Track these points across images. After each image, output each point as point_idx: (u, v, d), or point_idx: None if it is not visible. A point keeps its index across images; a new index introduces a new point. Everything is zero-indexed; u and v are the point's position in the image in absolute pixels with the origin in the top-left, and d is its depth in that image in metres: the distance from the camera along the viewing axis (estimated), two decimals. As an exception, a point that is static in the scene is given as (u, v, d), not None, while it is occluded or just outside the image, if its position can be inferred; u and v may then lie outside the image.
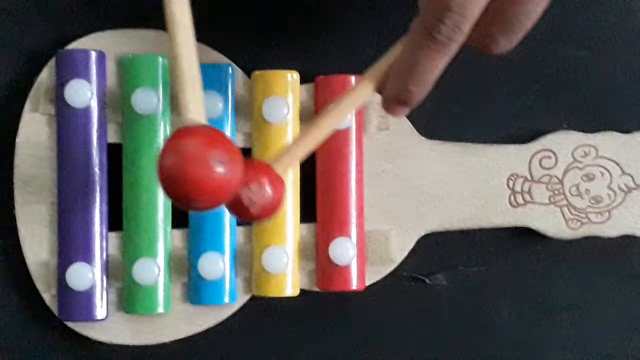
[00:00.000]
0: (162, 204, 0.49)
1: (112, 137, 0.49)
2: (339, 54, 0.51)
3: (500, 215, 0.51)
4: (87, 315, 0.48)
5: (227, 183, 0.34)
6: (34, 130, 0.49)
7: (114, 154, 0.49)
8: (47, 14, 0.50)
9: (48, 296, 0.49)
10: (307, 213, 0.50)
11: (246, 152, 0.50)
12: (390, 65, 0.40)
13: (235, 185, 0.35)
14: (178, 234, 0.49)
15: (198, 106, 0.37)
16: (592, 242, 0.52)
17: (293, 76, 0.49)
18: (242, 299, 0.50)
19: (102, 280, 0.49)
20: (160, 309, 0.49)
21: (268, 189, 0.38)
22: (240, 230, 0.50)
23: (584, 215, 0.51)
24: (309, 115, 0.50)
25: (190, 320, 0.50)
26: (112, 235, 0.49)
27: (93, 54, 0.48)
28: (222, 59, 0.50)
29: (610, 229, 0.51)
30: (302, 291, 0.50)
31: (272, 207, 0.38)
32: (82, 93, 0.48)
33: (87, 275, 0.48)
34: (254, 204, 0.38)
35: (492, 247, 0.52)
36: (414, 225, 0.50)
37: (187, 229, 0.49)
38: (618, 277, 0.52)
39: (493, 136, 0.51)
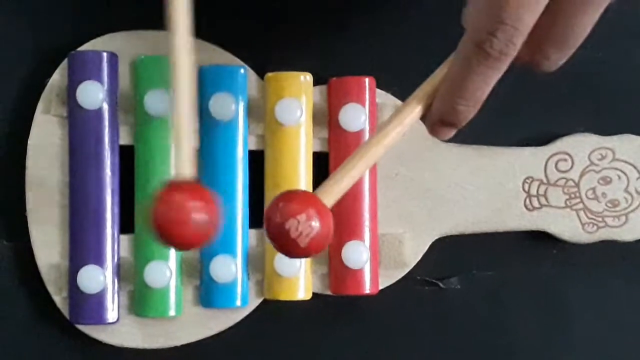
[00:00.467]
0: (174, 206, 0.48)
1: (125, 139, 0.49)
2: (353, 56, 0.51)
3: (516, 218, 0.50)
4: (98, 318, 0.48)
5: (204, 233, 0.37)
6: (46, 132, 0.49)
7: (126, 156, 0.49)
8: (59, 15, 0.50)
9: (59, 299, 0.49)
10: (320, 216, 0.50)
11: (259, 154, 0.49)
12: (437, 86, 0.39)
13: (211, 232, 0.38)
14: (190, 236, 0.49)
15: (189, 162, 0.39)
16: (608, 246, 0.51)
17: (306, 78, 0.49)
18: (254, 302, 0.50)
19: (113, 283, 0.48)
20: (172, 312, 0.49)
21: (316, 221, 0.37)
22: (252, 233, 0.49)
23: (600, 219, 0.50)
24: (323, 117, 0.49)
25: (201, 323, 0.49)
26: (124, 238, 0.49)
27: (105, 56, 0.48)
28: (235, 60, 0.49)
29: (627, 233, 0.50)
30: (315, 295, 0.50)
31: (321, 239, 0.37)
32: (94, 95, 0.48)
33: (98, 278, 0.48)
34: (301, 236, 0.36)
35: (507, 251, 0.52)
36: (427, 228, 0.50)
37: (199, 231, 0.49)
38: (635, 281, 0.52)
39: (508, 139, 0.51)
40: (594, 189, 0.50)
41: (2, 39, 0.50)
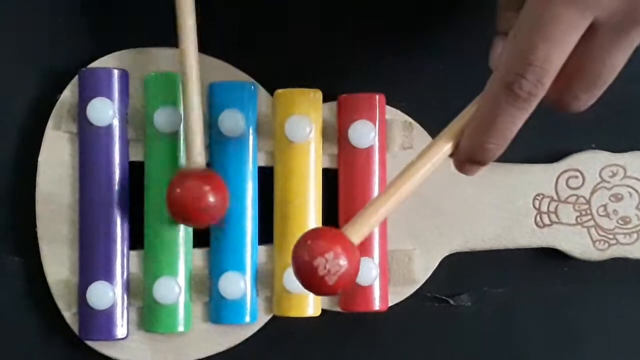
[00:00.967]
0: (183, 222, 0.49)
1: (134, 156, 0.49)
2: (362, 73, 0.51)
3: (526, 235, 0.50)
4: (108, 334, 0.48)
5: (215, 208, 0.46)
6: (57, 148, 0.49)
7: (136, 172, 0.49)
8: (70, 32, 0.50)
9: (69, 315, 0.49)
10: (330, 232, 0.49)
11: (269, 170, 0.49)
12: (465, 124, 0.39)
13: (221, 208, 0.46)
14: (199, 253, 0.49)
15: (201, 152, 0.46)
16: (620, 264, 0.51)
17: (315, 94, 0.49)
18: (264, 318, 0.49)
19: (122, 299, 0.48)
20: (181, 328, 0.49)
21: (343, 259, 0.37)
22: (261, 249, 0.49)
23: (611, 236, 0.50)
24: (332, 133, 0.49)
25: (211, 339, 0.49)
26: (133, 254, 0.49)
27: (116, 73, 0.48)
28: (245, 77, 0.49)
29: (639, 250, 0.50)
30: (324, 311, 0.49)
31: (349, 277, 0.37)
32: (104, 111, 0.48)
33: (107, 294, 0.48)
34: (329, 274, 0.37)
35: (518, 268, 0.51)
36: (437, 245, 0.50)
37: (209, 248, 0.49)
38: (646, 299, 0.52)
39: (519, 155, 0.51)
40: (605, 206, 0.50)
41: (13, 56, 0.50)
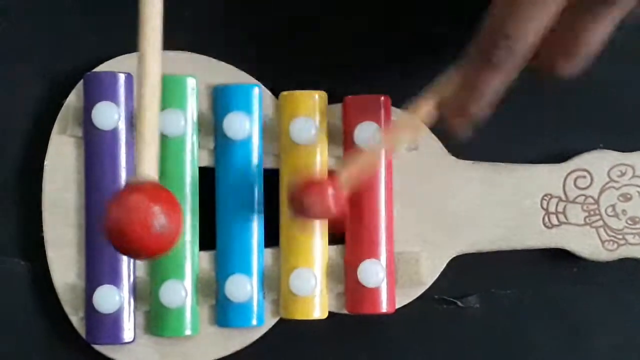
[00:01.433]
0: (189, 226, 0.48)
1: (140, 159, 0.49)
2: (368, 74, 0.51)
3: (534, 236, 0.49)
4: (115, 338, 0.48)
5: (166, 238, 0.36)
6: (62, 152, 0.49)
7: (142, 176, 0.49)
8: (76, 36, 0.51)
9: (76, 319, 0.49)
10: (335, 234, 0.49)
11: (274, 172, 0.49)
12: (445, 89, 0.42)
13: (174, 238, 0.36)
14: (205, 255, 0.49)
15: (153, 162, 0.37)
16: (630, 264, 0.50)
17: (321, 96, 0.49)
18: (270, 321, 0.49)
19: (129, 303, 0.48)
20: (188, 332, 0.48)
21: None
22: (268, 252, 0.49)
23: (620, 237, 0.49)
24: (338, 135, 0.49)
25: (217, 343, 0.49)
26: (140, 258, 0.49)
27: (121, 76, 0.48)
28: (249, 79, 0.49)
29: (648, 251, 0.49)
30: (331, 314, 0.49)
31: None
32: (110, 115, 0.48)
33: (114, 298, 0.48)
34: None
35: (526, 269, 0.51)
36: (445, 246, 0.49)
37: (215, 251, 0.49)
38: (657, 300, 0.51)
39: (526, 156, 0.50)
40: (613, 206, 0.49)
41: (18, 60, 0.50)
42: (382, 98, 0.49)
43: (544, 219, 0.49)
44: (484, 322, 0.51)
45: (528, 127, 0.51)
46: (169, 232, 0.35)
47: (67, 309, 0.49)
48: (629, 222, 0.49)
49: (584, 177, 0.50)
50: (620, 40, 0.51)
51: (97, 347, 0.49)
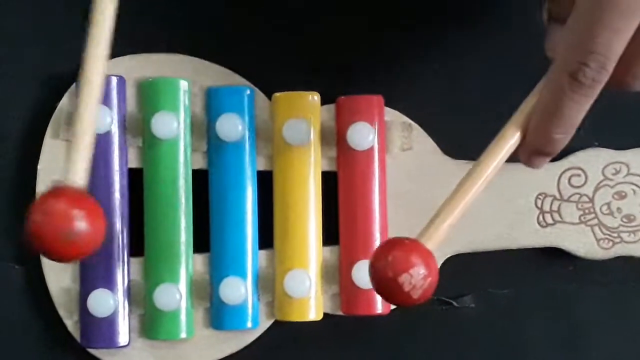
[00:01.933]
0: (183, 228, 0.48)
1: (133, 162, 0.49)
2: (361, 74, 0.51)
3: (529, 235, 0.49)
4: (109, 341, 0.48)
5: (83, 243, 0.35)
6: (56, 156, 0.49)
7: (135, 179, 0.49)
8: (68, 40, 0.50)
9: (70, 323, 0.49)
10: (330, 235, 0.49)
11: (268, 174, 0.49)
12: (528, 116, 0.39)
13: (93, 244, 0.36)
14: (200, 258, 0.49)
15: (81, 168, 0.37)
16: (626, 263, 0.50)
17: (314, 97, 0.49)
18: (265, 323, 0.49)
19: (124, 306, 0.48)
20: (183, 335, 0.48)
21: (428, 272, 0.37)
22: (262, 254, 0.49)
23: (615, 235, 0.49)
24: (331, 136, 0.49)
25: (213, 345, 0.49)
26: (134, 261, 0.49)
27: (113, 79, 0.48)
28: (242, 81, 0.49)
29: (644, 248, 0.49)
30: (326, 315, 0.49)
31: (432, 288, 0.37)
32: (102, 118, 0.48)
33: (108, 302, 0.47)
34: (414, 288, 0.36)
35: (522, 268, 0.51)
36: (440, 246, 0.49)
37: (209, 253, 0.49)
38: (653, 298, 0.51)
39: (520, 154, 0.50)
40: (608, 204, 0.49)
41: (11, 65, 0.50)
42: (375, 98, 0.49)
43: (538, 218, 0.49)
44: (480, 322, 0.51)
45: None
46: (86, 237, 0.35)
47: (62, 312, 0.49)
48: (624, 220, 0.49)
49: (579, 175, 0.50)
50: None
51: (92, 351, 0.49)
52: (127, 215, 0.49)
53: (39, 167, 0.49)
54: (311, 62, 0.51)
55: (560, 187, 0.49)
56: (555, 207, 0.49)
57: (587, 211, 0.49)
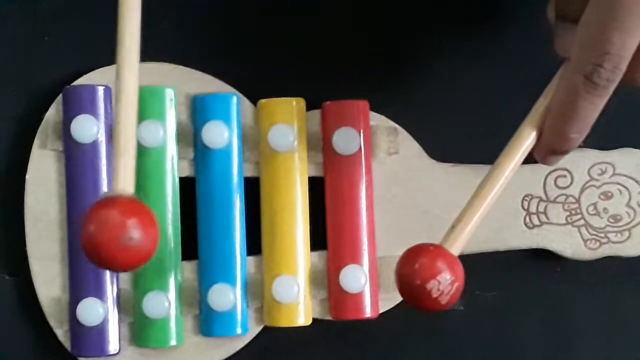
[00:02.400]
0: (171, 236, 0.48)
1: (120, 171, 0.49)
2: (346, 80, 0.51)
3: (516, 237, 0.50)
4: (100, 350, 0.48)
5: (140, 251, 0.35)
6: (43, 166, 0.49)
7: (123, 188, 0.49)
8: (55, 50, 0.51)
9: (61, 332, 0.49)
10: (318, 241, 0.49)
11: (255, 180, 0.49)
12: (542, 117, 0.40)
13: (148, 252, 0.35)
14: (188, 265, 0.49)
15: (128, 177, 0.37)
16: (614, 263, 0.50)
17: (299, 103, 0.49)
18: (255, 329, 0.49)
19: (113, 315, 0.48)
20: (173, 342, 0.48)
21: (455, 277, 0.37)
22: (250, 260, 0.49)
23: (603, 235, 0.49)
24: (317, 141, 0.49)
25: (203, 352, 0.49)
26: (123, 269, 0.49)
27: (99, 89, 0.49)
28: (227, 88, 0.50)
29: (631, 248, 0.49)
30: (315, 320, 0.49)
31: (459, 293, 0.38)
32: (89, 128, 0.48)
33: (97, 310, 0.48)
34: (442, 294, 0.37)
35: (510, 270, 0.51)
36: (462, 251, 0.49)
37: (197, 260, 0.49)
38: (641, 297, 0.51)
39: (506, 157, 0.50)
40: (595, 205, 0.49)
41: (-2, 76, 0.51)
42: (361, 103, 0.49)
43: (525, 219, 0.49)
44: (469, 325, 0.51)
45: (507, 128, 0.51)
46: (142, 244, 0.35)
47: (52, 322, 0.49)
48: (611, 220, 0.49)
49: (564, 176, 0.50)
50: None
51: (83, 360, 0.49)
52: (116, 224, 0.49)
53: (27, 177, 0.49)
54: (296, 68, 0.51)
55: (547, 188, 0.50)
56: (541, 209, 0.49)
57: (573, 212, 0.49)
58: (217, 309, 0.48)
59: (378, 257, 0.49)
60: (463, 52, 0.51)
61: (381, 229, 0.49)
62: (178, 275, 0.49)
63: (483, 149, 0.50)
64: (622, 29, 0.36)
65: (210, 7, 0.51)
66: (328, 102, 0.49)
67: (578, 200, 0.49)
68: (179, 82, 0.49)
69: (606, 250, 0.49)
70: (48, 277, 0.49)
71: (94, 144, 0.48)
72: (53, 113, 0.49)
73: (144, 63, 0.49)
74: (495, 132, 0.50)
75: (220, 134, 0.48)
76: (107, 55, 0.49)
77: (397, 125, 0.50)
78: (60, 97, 0.49)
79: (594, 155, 0.50)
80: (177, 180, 0.49)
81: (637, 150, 0.50)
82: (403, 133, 0.50)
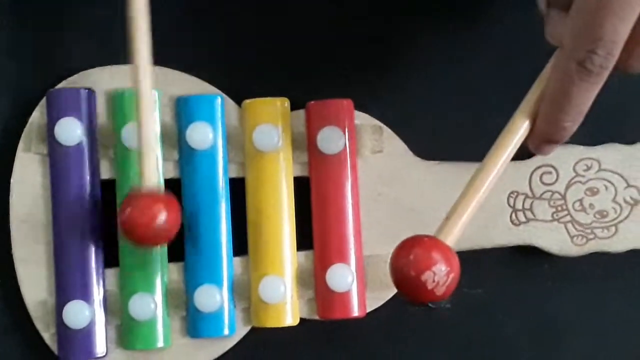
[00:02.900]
0: (157, 237, 0.48)
1: (105, 174, 0.49)
2: (330, 79, 0.51)
3: (503, 234, 0.49)
4: (87, 353, 0.48)
5: (167, 230, 0.44)
6: (28, 169, 0.49)
7: (108, 190, 0.49)
8: (39, 53, 0.51)
9: (48, 335, 0.49)
10: (304, 240, 0.49)
11: (240, 181, 0.49)
12: (535, 105, 0.40)
13: (174, 229, 0.44)
14: (174, 267, 0.49)
15: (153, 173, 0.44)
16: (601, 259, 0.50)
17: (284, 103, 0.49)
18: (242, 330, 0.49)
19: (100, 317, 0.48)
20: (160, 344, 0.48)
21: (450, 268, 0.37)
22: (236, 261, 0.49)
23: (589, 231, 0.49)
24: (303, 141, 0.49)
25: (190, 354, 0.49)
26: (109, 272, 0.49)
27: (83, 92, 0.48)
28: (211, 89, 0.49)
29: (617, 244, 0.49)
30: (302, 320, 0.49)
31: (454, 283, 0.37)
32: (72, 131, 0.48)
33: (84, 313, 0.48)
34: (438, 285, 0.37)
35: (497, 268, 0.51)
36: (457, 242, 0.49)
37: (184, 262, 0.49)
38: (628, 293, 0.51)
39: (491, 154, 0.50)
40: (581, 201, 0.49)
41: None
42: (345, 102, 0.49)
43: (511, 216, 0.49)
44: (456, 323, 0.51)
45: (492, 125, 0.51)
46: (169, 224, 0.43)
47: (39, 325, 0.49)
48: (597, 216, 0.49)
49: (550, 172, 0.50)
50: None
51: (70, 363, 0.49)
52: (101, 227, 0.49)
53: (12, 180, 0.49)
54: (280, 68, 0.51)
55: (532, 184, 0.50)
56: (527, 205, 0.49)
57: (559, 208, 0.49)
58: (204, 310, 0.48)
59: (365, 255, 0.49)
60: (447, 49, 0.51)
61: (367, 227, 0.49)
62: (164, 276, 0.49)
63: (468, 146, 0.50)
64: (615, 14, 0.36)
65: (194, 8, 0.51)
66: (312, 102, 0.49)
67: (564, 197, 0.49)
68: (163, 84, 0.49)
69: (593, 246, 0.49)
70: (34, 280, 0.49)
71: (78, 146, 0.48)
72: (37, 116, 0.49)
73: (124, 66, 0.50)
74: (480, 130, 0.51)
75: (204, 135, 0.48)
76: (90, 58, 0.50)
77: (381, 124, 0.50)
78: (44, 100, 0.49)
79: (579, 151, 0.50)
80: (162, 181, 0.49)
81: (622, 145, 0.50)
82: (388, 131, 0.50)
